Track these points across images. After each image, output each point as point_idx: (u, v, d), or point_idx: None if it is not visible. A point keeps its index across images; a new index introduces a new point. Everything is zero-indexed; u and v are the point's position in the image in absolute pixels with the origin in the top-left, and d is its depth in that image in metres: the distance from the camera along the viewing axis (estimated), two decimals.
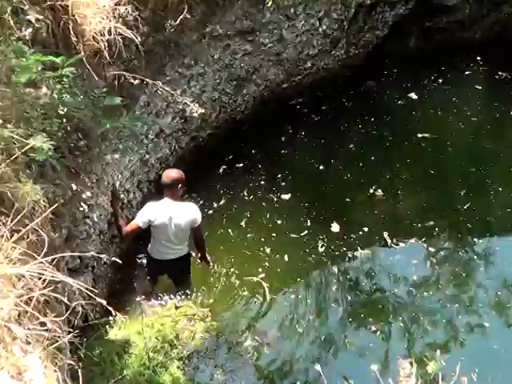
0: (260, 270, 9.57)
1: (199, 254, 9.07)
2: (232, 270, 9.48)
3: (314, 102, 12.93)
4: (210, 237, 9.67)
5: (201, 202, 10.34)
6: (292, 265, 9.80)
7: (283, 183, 11.20)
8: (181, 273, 9.02)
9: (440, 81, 13.81)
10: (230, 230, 10.21)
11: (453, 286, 9.55)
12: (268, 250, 9.91)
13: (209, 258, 9.18)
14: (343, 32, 12.89)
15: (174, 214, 8.39)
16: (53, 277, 4.89)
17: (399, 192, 11.13)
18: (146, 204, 8.59)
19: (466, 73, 14.12)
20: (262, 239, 10.11)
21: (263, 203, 10.79)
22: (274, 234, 10.21)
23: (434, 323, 8.99)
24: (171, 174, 8.53)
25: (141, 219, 8.36)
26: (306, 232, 10.27)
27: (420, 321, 9.01)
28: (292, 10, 12.03)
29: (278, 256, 9.85)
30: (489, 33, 14.62)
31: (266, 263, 9.71)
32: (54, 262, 5.22)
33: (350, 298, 9.40)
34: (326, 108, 12.89)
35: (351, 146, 12.09)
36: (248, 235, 10.19)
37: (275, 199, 10.87)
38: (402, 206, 10.89)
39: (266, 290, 9.28)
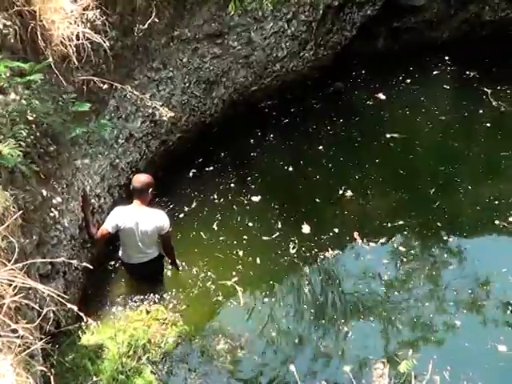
0: (234, 273, 9.57)
1: (169, 260, 9.07)
2: (206, 273, 9.47)
3: (283, 104, 12.98)
4: (183, 240, 9.71)
5: (171, 206, 10.38)
6: (264, 267, 9.81)
7: (253, 186, 11.21)
8: (153, 275, 9.05)
9: (408, 81, 13.89)
10: (202, 233, 10.20)
11: (424, 285, 9.58)
12: (240, 253, 9.92)
13: (178, 263, 9.22)
14: (311, 34, 12.93)
15: (141, 220, 8.38)
16: (24, 283, 4.87)
17: (369, 192, 11.16)
18: (114, 209, 8.58)
19: (434, 72, 14.20)
20: (234, 242, 10.12)
21: (234, 206, 10.81)
22: (246, 237, 10.22)
23: (406, 322, 9.03)
24: (141, 178, 8.52)
25: (110, 224, 8.37)
26: (278, 234, 10.29)
27: (392, 320, 9.05)
28: (260, 13, 11.99)
29: (250, 259, 9.87)
30: (456, 32, 14.73)
31: (239, 266, 9.71)
32: (25, 269, 5.19)
33: (322, 299, 9.42)
34: (294, 110, 12.94)
35: (320, 147, 12.10)
36: (220, 238, 10.18)
37: (245, 202, 10.88)
38: (371, 206, 10.92)
39: (240, 293, 9.28)
